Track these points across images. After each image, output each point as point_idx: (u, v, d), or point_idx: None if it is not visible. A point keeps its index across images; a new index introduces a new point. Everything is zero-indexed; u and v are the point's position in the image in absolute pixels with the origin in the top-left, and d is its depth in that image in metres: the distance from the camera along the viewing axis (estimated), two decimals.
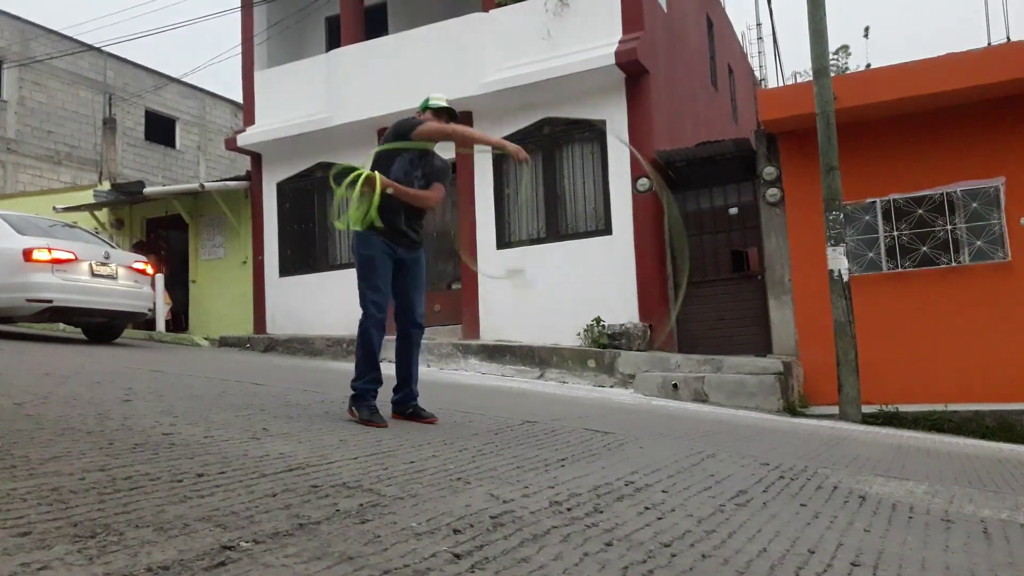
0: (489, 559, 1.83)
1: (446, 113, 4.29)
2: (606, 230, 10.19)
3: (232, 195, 13.53)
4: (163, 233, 15.54)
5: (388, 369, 4.25)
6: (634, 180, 9.99)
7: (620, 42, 9.89)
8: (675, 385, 8.04)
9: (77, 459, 2.45)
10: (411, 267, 4.20)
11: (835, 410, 7.56)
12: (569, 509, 2.41)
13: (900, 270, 8.89)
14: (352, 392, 4.04)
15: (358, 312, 4.14)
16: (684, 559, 2.01)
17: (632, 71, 9.94)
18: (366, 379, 4.03)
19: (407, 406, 4.27)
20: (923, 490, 3.44)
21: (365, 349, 4.08)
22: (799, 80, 19.91)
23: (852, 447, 5.12)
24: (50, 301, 7.91)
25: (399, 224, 4.12)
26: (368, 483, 2.49)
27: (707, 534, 2.28)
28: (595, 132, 10.42)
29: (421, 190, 4.20)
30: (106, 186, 15.30)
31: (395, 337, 4.30)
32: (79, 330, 10.08)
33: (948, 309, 8.60)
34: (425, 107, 4.34)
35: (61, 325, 10.80)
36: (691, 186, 10.18)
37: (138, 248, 13.90)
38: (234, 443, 2.97)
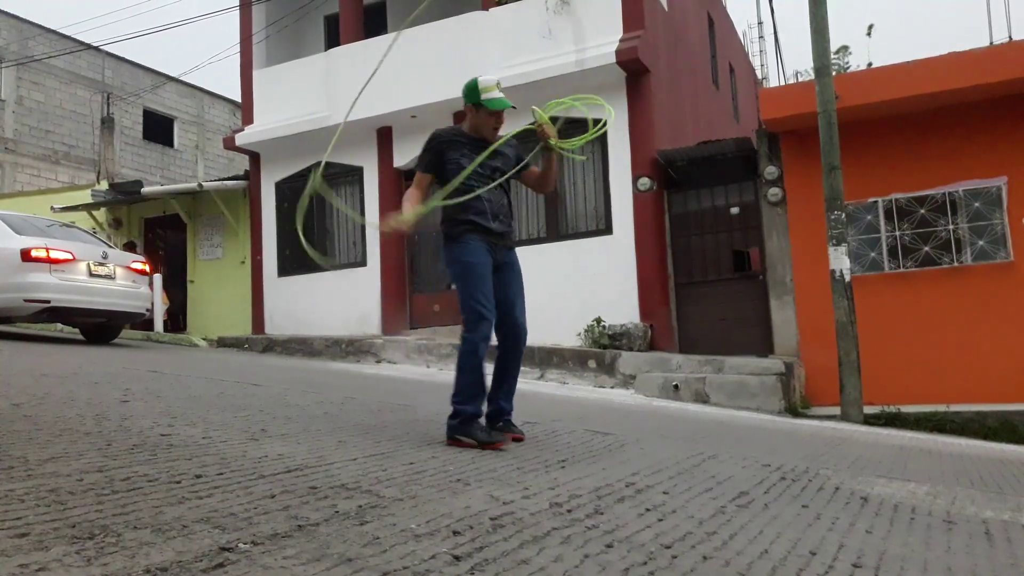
0: (489, 561, 1.82)
1: (495, 115, 3.72)
2: (606, 230, 10.18)
3: (230, 195, 13.51)
4: (161, 233, 15.52)
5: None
6: (634, 179, 9.98)
7: (621, 41, 9.88)
8: (676, 386, 8.03)
9: (75, 460, 2.44)
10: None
11: (837, 411, 7.55)
12: (569, 511, 2.40)
13: (902, 270, 8.88)
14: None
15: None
16: (685, 561, 2.00)
17: (633, 70, 9.93)
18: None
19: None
20: (925, 491, 3.43)
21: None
22: (800, 79, 19.98)
23: (854, 448, 5.10)
24: (47, 301, 7.89)
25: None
26: (367, 484, 2.47)
27: (708, 536, 2.27)
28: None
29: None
30: (104, 186, 15.29)
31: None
32: (77, 330, 10.06)
33: (950, 309, 8.59)
34: (476, 101, 3.71)
35: (59, 325, 10.79)
36: (692, 185, 10.17)
37: (129, 247, 13.86)
38: (232, 444, 2.96)
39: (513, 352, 3.74)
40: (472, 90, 3.71)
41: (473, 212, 3.62)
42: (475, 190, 3.58)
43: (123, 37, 36.81)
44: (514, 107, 3.76)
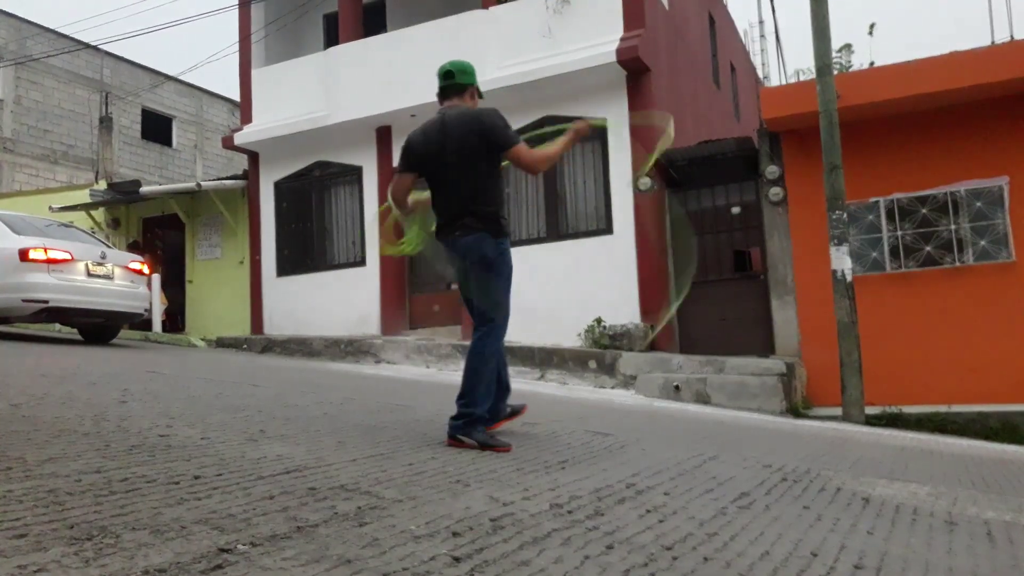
0: (489, 562, 1.81)
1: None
2: (607, 230, 10.16)
3: (229, 194, 13.50)
4: (159, 232, 15.51)
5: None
6: (635, 179, 9.96)
7: (621, 40, 9.86)
8: (677, 386, 8.01)
9: (73, 461, 2.44)
10: None
11: (838, 411, 7.54)
12: (570, 512, 2.39)
13: (904, 270, 8.87)
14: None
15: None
16: (686, 562, 2.00)
17: (633, 69, 9.92)
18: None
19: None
20: (926, 492, 3.42)
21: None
22: (802, 78, 19.96)
23: (855, 449, 5.10)
24: (46, 301, 7.88)
25: None
26: (366, 485, 2.47)
27: (709, 537, 2.26)
28: (596, 131, 10.38)
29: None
30: (102, 185, 15.25)
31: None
32: (75, 330, 10.05)
33: (952, 309, 8.58)
34: (473, 82, 3.68)
35: (57, 326, 10.77)
36: (693, 185, 10.16)
37: (133, 248, 13.86)
38: (231, 445, 2.95)
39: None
40: (473, 74, 3.70)
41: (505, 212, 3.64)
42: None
43: (122, 36, 36.73)
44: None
